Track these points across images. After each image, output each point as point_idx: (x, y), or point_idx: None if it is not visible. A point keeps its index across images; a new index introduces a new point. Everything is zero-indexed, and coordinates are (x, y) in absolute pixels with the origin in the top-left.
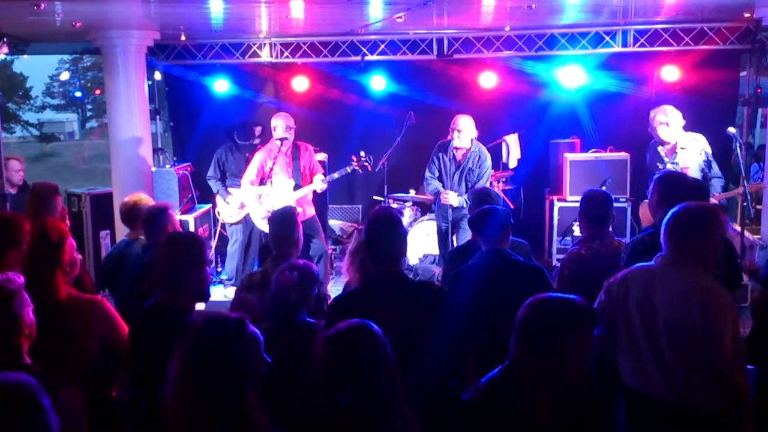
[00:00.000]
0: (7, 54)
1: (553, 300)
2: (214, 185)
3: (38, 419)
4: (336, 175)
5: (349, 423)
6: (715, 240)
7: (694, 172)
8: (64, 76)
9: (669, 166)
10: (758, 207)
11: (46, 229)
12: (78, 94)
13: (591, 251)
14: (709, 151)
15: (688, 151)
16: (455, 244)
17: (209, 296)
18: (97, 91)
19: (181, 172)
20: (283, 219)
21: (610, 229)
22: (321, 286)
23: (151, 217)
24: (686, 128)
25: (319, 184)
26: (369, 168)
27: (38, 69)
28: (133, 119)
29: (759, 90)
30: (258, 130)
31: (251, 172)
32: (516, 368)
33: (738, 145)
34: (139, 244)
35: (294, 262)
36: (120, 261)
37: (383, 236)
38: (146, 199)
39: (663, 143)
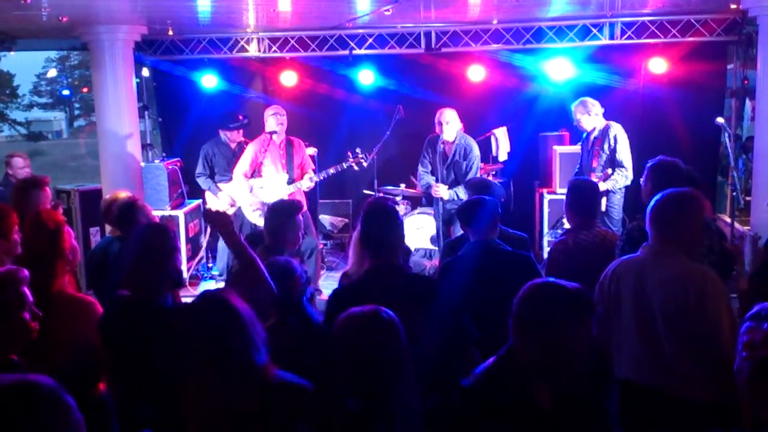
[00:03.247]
0: None
1: (551, 285)
2: (203, 183)
3: (68, 418)
4: (331, 171)
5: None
6: (698, 225)
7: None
8: (52, 73)
9: (604, 155)
10: (748, 198)
11: (42, 219)
12: (66, 92)
13: (577, 241)
14: (621, 139)
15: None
16: (451, 236)
17: (183, 283)
18: (85, 90)
19: (170, 167)
20: (284, 211)
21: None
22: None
23: (123, 211)
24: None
25: (306, 182)
26: (365, 165)
27: (25, 67)
28: (122, 114)
29: (746, 82)
30: (241, 117)
31: (244, 163)
32: (515, 354)
33: (727, 135)
34: (121, 241)
35: (275, 260)
36: (104, 259)
37: (378, 228)
38: (126, 196)
39: (589, 133)
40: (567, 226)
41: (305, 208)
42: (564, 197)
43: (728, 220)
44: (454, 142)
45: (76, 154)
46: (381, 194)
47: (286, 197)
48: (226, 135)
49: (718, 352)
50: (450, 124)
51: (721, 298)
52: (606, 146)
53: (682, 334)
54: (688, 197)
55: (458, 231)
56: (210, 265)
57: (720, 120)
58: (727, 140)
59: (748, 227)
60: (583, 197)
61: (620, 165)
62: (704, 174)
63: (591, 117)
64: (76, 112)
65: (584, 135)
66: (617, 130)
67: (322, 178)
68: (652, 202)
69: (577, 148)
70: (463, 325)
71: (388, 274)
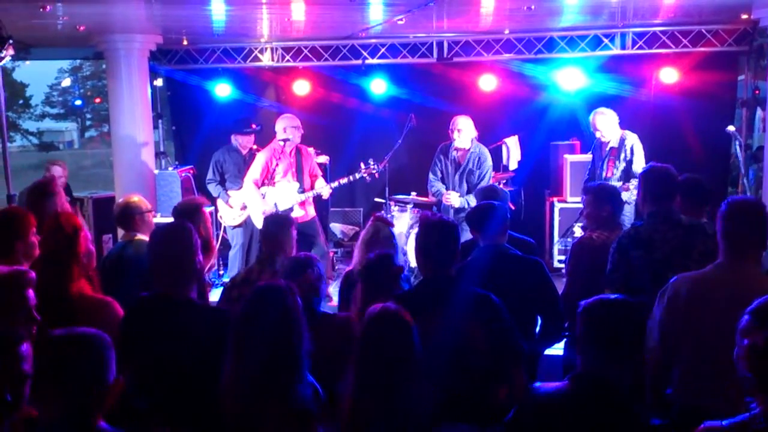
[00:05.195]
0: (12, 57)
1: (625, 302)
2: (214, 189)
3: (101, 370)
4: (343, 181)
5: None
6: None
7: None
8: (66, 82)
9: (620, 165)
10: None
11: (60, 222)
12: (78, 102)
13: (602, 238)
14: (638, 149)
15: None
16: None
17: (209, 286)
18: (97, 100)
19: (183, 174)
20: (277, 222)
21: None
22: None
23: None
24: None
25: (324, 189)
26: (377, 176)
27: (38, 78)
28: (136, 122)
29: (757, 92)
30: (254, 125)
31: (255, 171)
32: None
33: (738, 144)
34: (136, 246)
35: (299, 257)
36: (119, 263)
37: (437, 240)
38: (139, 200)
39: (604, 142)
40: (578, 234)
41: (314, 213)
42: (575, 206)
43: None
44: (468, 149)
45: (87, 163)
46: (392, 204)
47: (297, 204)
48: (238, 140)
49: None
50: (463, 132)
51: None
52: (622, 156)
53: None
54: (761, 205)
55: (464, 238)
56: (221, 272)
57: (731, 128)
58: (738, 149)
59: None
60: (608, 198)
61: (636, 176)
62: (715, 184)
63: (614, 126)
64: (88, 123)
65: (595, 143)
66: (634, 140)
67: (333, 187)
68: (721, 212)
69: (588, 157)
70: (513, 341)
71: (442, 286)
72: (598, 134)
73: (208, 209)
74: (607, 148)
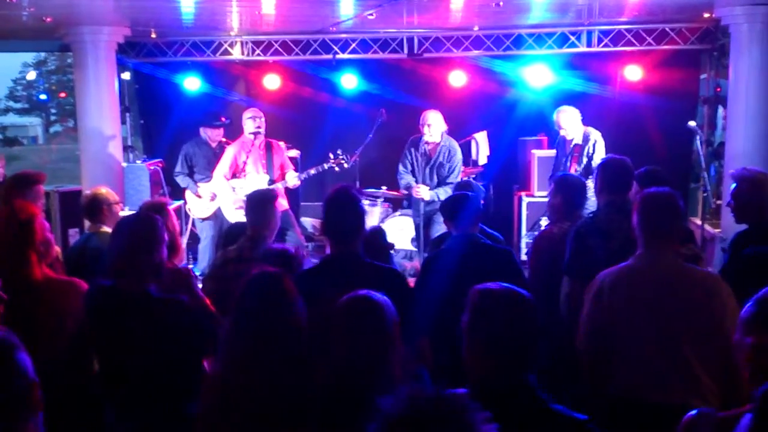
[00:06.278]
0: None
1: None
2: (182, 180)
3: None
4: (312, 171)
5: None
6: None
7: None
8: (31, 75)
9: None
10: (718, 202)
11: (15, 210)
12: (43, 96)
13: (562, 231)
14: (600, 146)
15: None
16: (430, 237)
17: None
18: (62, 94)
19: (152, 167)
20: (261, 200)
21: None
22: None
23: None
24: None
25: (292, 179)
26: (345, 166)
27: (1, 71)
28: (103, 115)
29: (719, 89)
30: (223, 118)
31: (224, 165)
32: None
33: (699, 139)
34: (101, 238)
35: (271, 248)
36: (81, 254)
37: (339, 214)
38: (107, 192)
39: (568, 139)
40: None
41: (286, 205)
42: (542, 200)
43: (699, 222)
44: (439, 143)
45: (51, 159)
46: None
47: None
48: (207, 133)
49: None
50: (433, 126)
51: (732, 300)
52: (585, 152)
53: (702, 342)
54: (674, 196)
55: (434, 232)
56: (191, 266)
57: (692, 123)
58: (699, 144)
59: (719, 230)
60: (570, 191)
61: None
62: (677, 179)
63: (577, 123)
64: (53, 118)
65: (558, 139)
66: (597, 136)
67: (303, 178)
68: (636, 205)
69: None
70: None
71: (345, 262)
72: (562, 132)
73: (176, 203)
74: (571, 145)
